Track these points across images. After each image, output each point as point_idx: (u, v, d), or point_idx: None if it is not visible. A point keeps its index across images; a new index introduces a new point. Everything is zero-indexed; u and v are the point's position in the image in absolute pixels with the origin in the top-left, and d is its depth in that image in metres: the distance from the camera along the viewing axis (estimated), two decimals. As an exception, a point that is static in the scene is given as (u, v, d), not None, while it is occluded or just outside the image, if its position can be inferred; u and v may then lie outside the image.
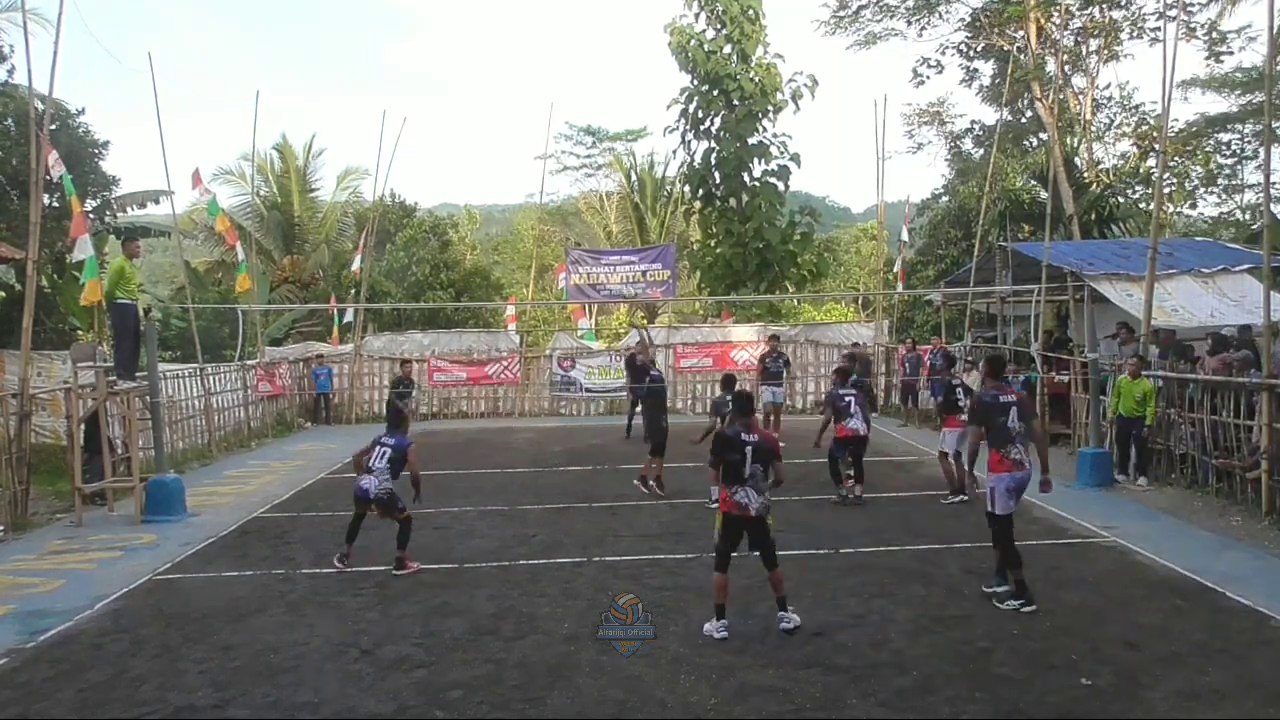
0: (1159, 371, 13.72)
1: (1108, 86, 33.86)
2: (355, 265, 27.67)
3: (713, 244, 29.39)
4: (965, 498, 12.25)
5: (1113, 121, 33.43)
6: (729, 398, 11.00)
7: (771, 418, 17.94)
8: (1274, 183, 12.61)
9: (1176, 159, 29.44)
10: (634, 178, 41.81)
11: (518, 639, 7.51)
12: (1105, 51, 30.69)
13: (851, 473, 12.79)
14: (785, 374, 19.96)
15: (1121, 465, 13.78)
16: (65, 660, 7.28)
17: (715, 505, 8.06)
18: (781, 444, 10.82)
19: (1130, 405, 13.46)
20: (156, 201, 24.59)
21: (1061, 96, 29.53)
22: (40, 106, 14.99)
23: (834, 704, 6.22)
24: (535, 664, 6.97)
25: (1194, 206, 33.27)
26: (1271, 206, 13.11)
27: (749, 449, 7.43)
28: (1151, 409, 13.26)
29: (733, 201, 29.08)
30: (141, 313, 14.04)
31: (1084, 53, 31.36)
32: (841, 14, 33.84)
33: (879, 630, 7.53)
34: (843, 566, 9.49)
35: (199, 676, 6.88)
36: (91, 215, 20.42)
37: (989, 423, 8.12)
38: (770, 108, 28.34)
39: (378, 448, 9.76)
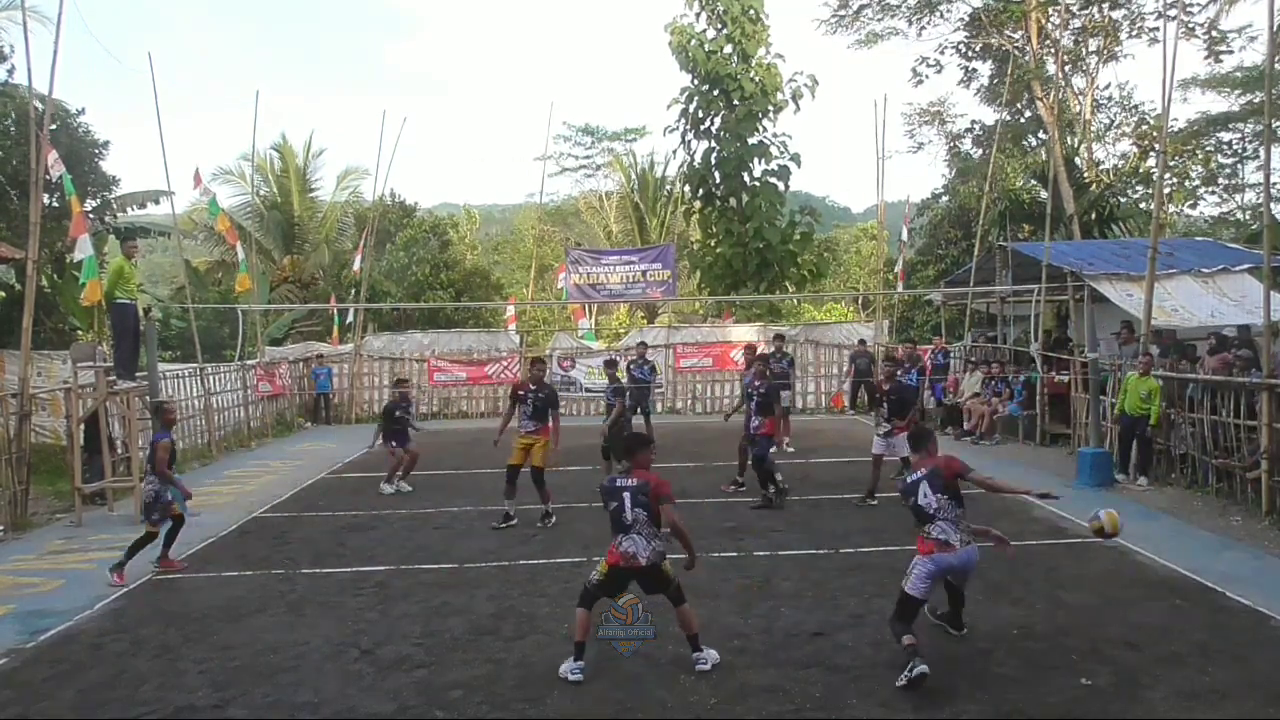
0: (1158, 371, 13.71)
1: (1107, 86, 33.96)
2: (355, 265, 27.67)
3: (713, 244, 29.39)
4: (874, 503, 12.22)
5: (1113, 121, 33.44)
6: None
7: (779, 421, 17.70)
8: (1274, 183, 12.61)
9: (1177, 159, 29.42)
10: (634, 177, 41.81)
11: (518, 639, 7.51)
12: (1105, 51, 30.67)
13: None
14: (790, 375, 19.86)
15: (1123, 465, 13.74)
16: (65, 660, 7.28)
17: None
18: (772, 449, 10.85)
19: (1135, 403, 13.35)
20: (156, 202, 24.62)
21: (1061, 96, 29.52)
22: (40, 106, 14.99)
23: (834, 704, 6.22)
24: (535, 664, 6.98)
25: (1194, 206, 33.28)
26: (1272, 206, 13.12)
27: (626, 494, 6.92)
28: (1156, 407, 13.14)
29: (733, 201, 29.07)
30: (141, 312, 14.05)
31: (1084, 52, 31.34)
32: (842, 13, 33.82)
33: (879, 630, 7.52)
34: (842, 566, 9.49)
35: (199, 676, 6.88)
36: (91, 215, 20.43)
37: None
38: (770, 107, 28.33)
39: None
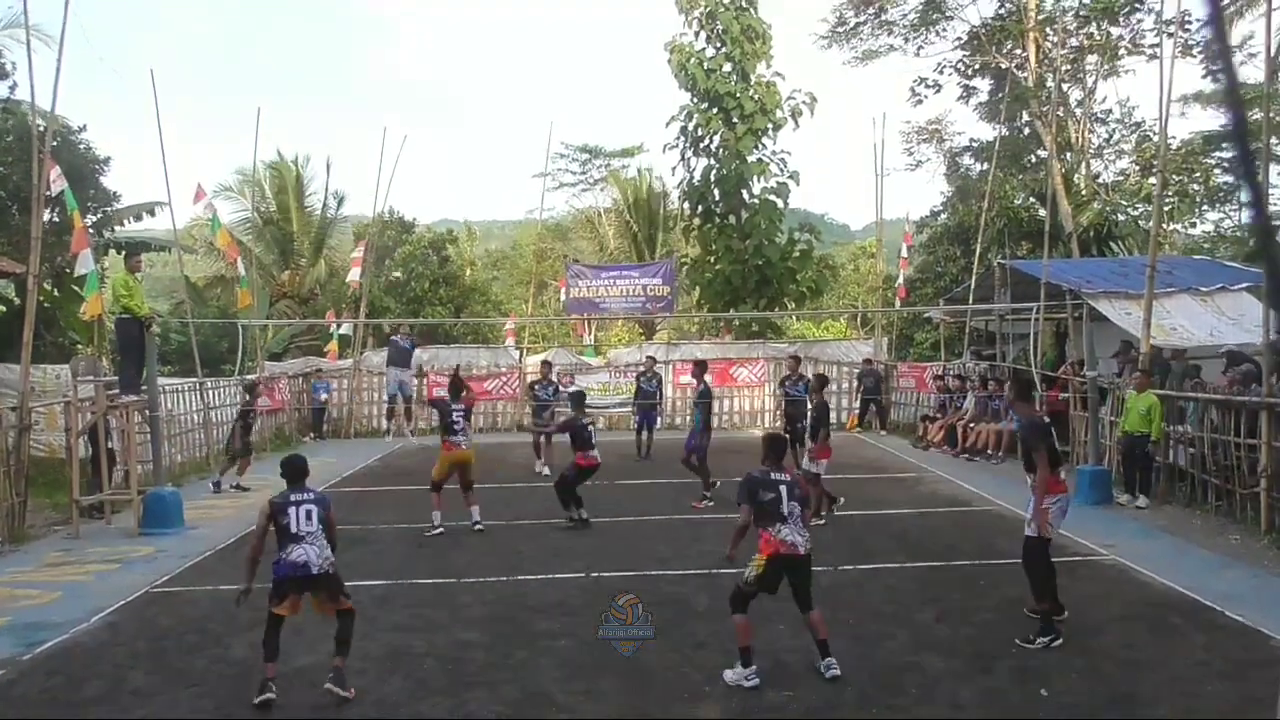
0: (1157, 390, 13.72)
1: (1103, 100, 33.89)
2: (353, 276, 27.56)
3: (712, 260, 29.42)
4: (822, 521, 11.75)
5: (1110, 135, 33.47)
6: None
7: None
8: (1273, 201, 12.66)
9: (1176, 177, 29.46)
10: (631, 195, 41.87)
11: (516, 650, 7.50)
12: (1104, 68, 30.76)
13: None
14: (658, 395, 19.98)
15: (1128, 485, 13.43)
16: (62, 673, 7.27)
17: None
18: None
19: (1135, 421, 13.18)
20: (152, 213, 24.67)
21: (1060, 114, 29.61)
22: (42, 124, 15.04)
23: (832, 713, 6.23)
24: (537, 676, 6.97)
25: (1194, 225, 33.29)
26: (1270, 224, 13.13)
27: (783, 487, 7.11)
28: (1157, 424, 13.01)
29: (732, 218, 29.13)
30: (145, 327, 14.03)
31: (1082, 71, 31.44)
32: (840, 29, 34.02)
33: (876, 645, 7.53)
34: (841, 583, 9.48)
35: (196, 690, 6.87)
36: (91, 230, 20.47)
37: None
38: (770, 125, 28.41)
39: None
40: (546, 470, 16.51)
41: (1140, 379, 13.45)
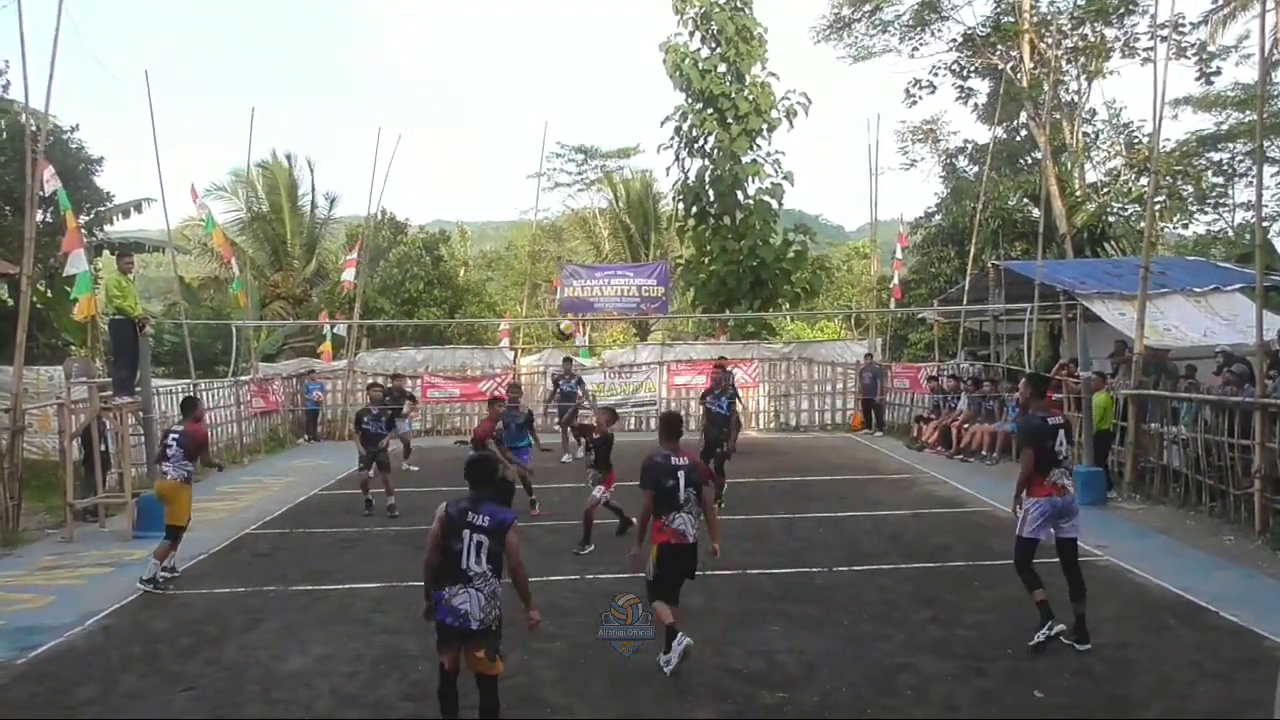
0: (1150, 391, 13.76)
1: (1087, 106, 33.96)
2: (346, 276, 27.48)
3: (706, 261, 29.39)
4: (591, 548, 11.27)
5: (1098, 134, 33.53)
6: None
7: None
8: (1266, 202, 12.70)
9: (1169, 178, 29.53)
10: (625, 195, 41.86)
11: (509, 652, 7.48)
12: (1093, 70, 30.80)
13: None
14: (579, 396, 20.14)
15: (1106, 482, 13.83)
16: (55, 676, 7.25)
17: None
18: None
19: (1098, 419, 13.97)
20: (140, 210, 24.59)
21: (1055, 115, 29.66)
22: (34, 125, 14.99)
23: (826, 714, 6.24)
24: (531, 678, 6.98)
25: (1186, 226, 33.38)
26: (1263, 225, 13.20)
27: (681, 473, 7.25)
28: (1107, 419, 13.89)
29: (727, 219, 29.10)
30: (138, 328, 14.00)
31: (1077, 72, 31.50)
32: (835, 25, 34.11)
33: (870, 646, 7.54)
34: (835, 584, 9.50)
35: (190, 693, 6.86)
36: (84, 230, 20.42)
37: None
38: (764, 126, 28.38)
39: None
40: (567, 458, 18.24)
41: (1096, 380, 14.04)
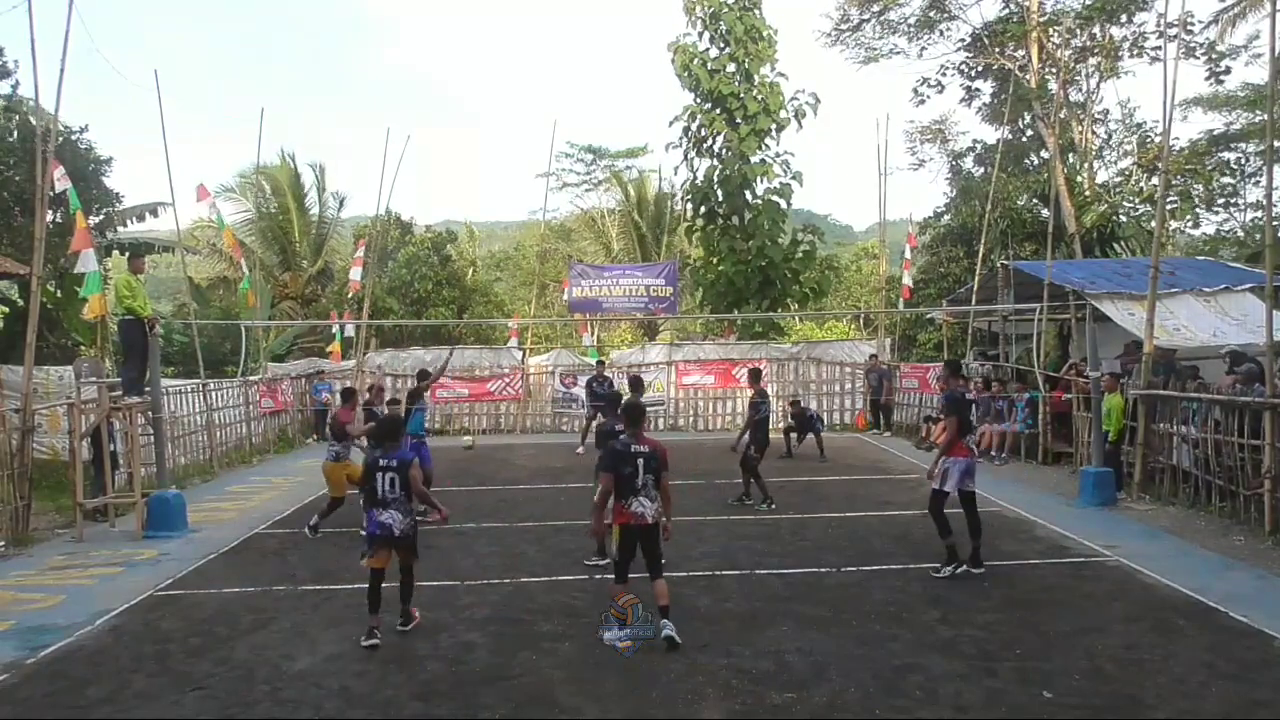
0: (1160, 391, 13.71)
1: (1101, 100, 33.89)
2: (354, 276, 27.52)
3: (715, 261, 29.42)
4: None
5: (1109, 135, 33.47)
6: None
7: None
8: (1276, 202, 12.59)
9: (1179, 178, 29.44)
10: (636, 196, 41.88)
11: (519, 652, 7.49)
12: (1106, 70, 30.73)
13: None
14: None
15: (1116, 483, 13.77)
16: (65, 676, 7.27)
17: None
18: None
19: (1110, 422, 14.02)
20: (154, 214, 24.70)
21: (1062, 115, 29.58)
22: (45, 124, 15.04)
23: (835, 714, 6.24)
24: (540, 678, 6.97)
25: (1196, 225, 33.27)
26: (1273, 225, 13.12)
27: (640, 460, 7.62)
28: (1116, 422, 13.91)
29: (735, 219, 29.12)
30: (148, 328, 14.04)
31: (1085, 72, 31.43)
32: (843, 27, 34.07)
33: (879, 646, 7.52)
34: (844, 584, 9.48)
35: (200, 693, 6.87)
36: (94, 231, 20.48)
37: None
38: (773, 125, 28.39)
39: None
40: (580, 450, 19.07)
41: (1109, 381, 14.13)
